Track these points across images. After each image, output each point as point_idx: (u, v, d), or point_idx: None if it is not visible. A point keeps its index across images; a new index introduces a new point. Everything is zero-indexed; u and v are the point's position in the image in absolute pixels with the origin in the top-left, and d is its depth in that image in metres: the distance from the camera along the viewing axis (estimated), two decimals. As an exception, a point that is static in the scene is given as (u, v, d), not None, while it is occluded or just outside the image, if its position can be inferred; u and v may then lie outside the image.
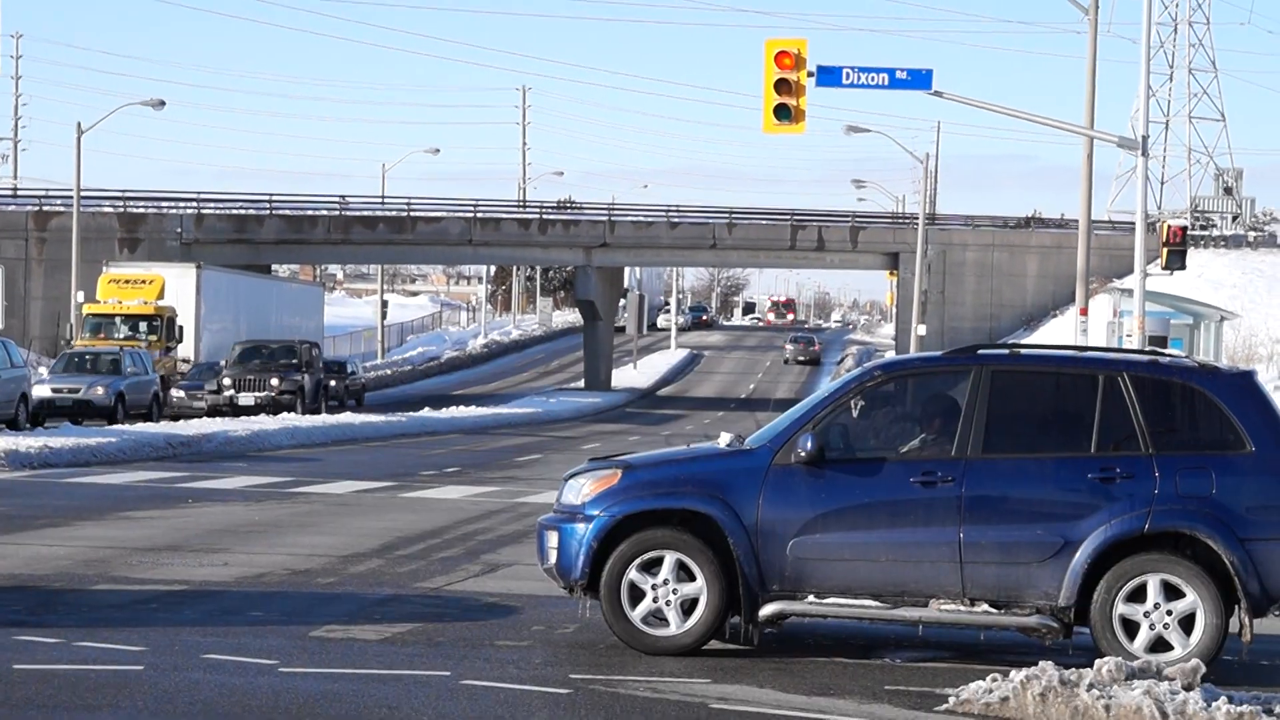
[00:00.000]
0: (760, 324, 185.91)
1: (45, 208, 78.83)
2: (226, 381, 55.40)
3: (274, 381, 55.41)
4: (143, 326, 57.25)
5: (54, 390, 46.81)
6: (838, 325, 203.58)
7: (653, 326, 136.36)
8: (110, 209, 79.32)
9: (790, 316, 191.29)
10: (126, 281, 59.41)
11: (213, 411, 52.95)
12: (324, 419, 48.97)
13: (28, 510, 22.84)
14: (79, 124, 63.74)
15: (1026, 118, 38.62)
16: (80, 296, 61.97)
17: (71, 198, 67.24)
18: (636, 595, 12.99)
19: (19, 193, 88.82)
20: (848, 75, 32.77)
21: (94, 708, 10.62)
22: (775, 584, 12.87)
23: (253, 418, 47.96)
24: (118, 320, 57.27)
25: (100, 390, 47.00)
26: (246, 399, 54.66)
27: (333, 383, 72.42)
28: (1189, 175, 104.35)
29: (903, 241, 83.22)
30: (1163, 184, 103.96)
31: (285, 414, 50.74)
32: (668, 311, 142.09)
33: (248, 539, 20.21)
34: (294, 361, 57.27)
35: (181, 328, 58.19)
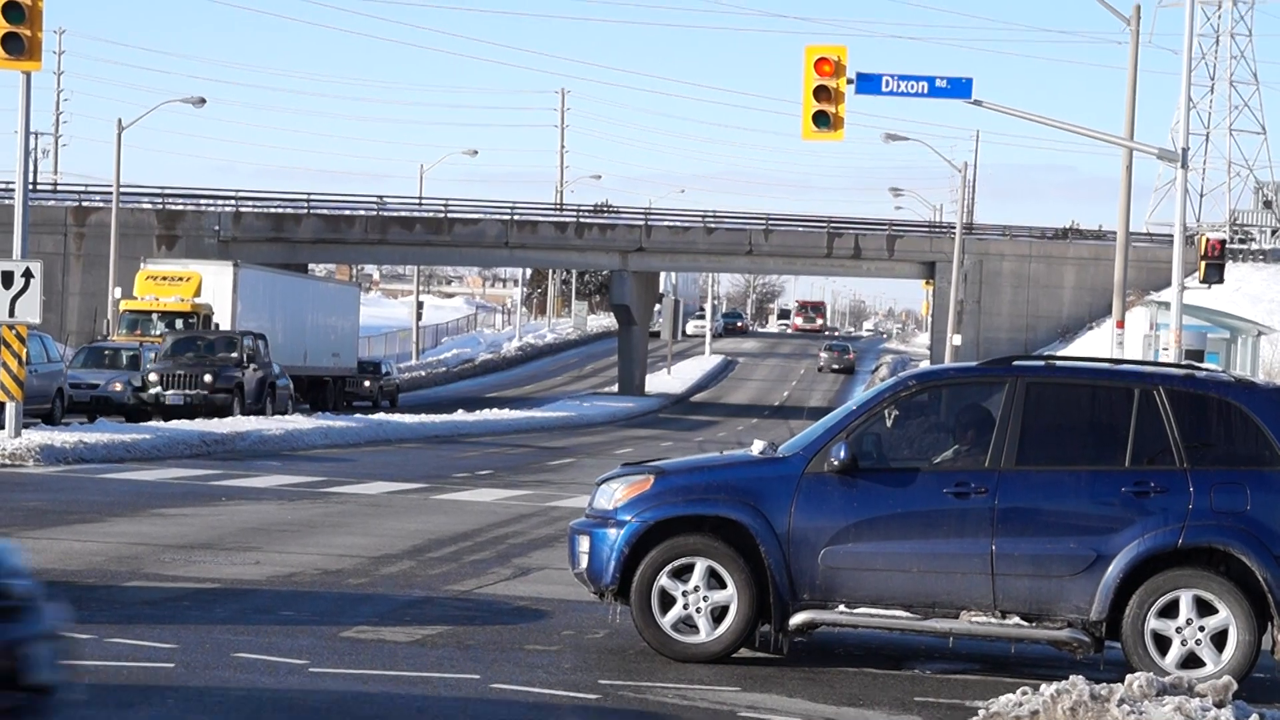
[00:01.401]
0: (787, 330, 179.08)
1: (84, 203, 79.21)
2: (153, 377, 47.79)
3: (207, 378, 47.89)
4: (179, 324, 57.29)
5: (72, 385, 45.04)
6: (869, 334, 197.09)
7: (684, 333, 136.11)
8: (149, 206, 79.68)
9: (819, 321, 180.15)
10: (164, 278, 59.57)
11: (135, 413, 45.64)
12: (357, 419, 48.88)
13: (61, 505, 22.93)
14: (119, 120, 64.00)
15: (1066, 128, 38.53)
16: (118, 292, 62.22)
17: (111, 194, 67.51)
18: (667, 601, 12.99)
19: (59, 188, 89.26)
20: (887, 83, 32.73)
21: (125, 705, 10.65)
22: (806, 593, 12.85)
23: (218, 419, 42.49)
24: (154, 317, 57.29)
25: (118, 386, 46.58)
26: (175, 398, 47.29)
27: (366, 383, 72.83)
28: (1228, 188, 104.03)
29: (939, 250, 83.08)
30: (1202, 197, 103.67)
31: (221, 418, 44.07)
32: (699, 317, 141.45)
33: (280, 538, 20.25)
34: (233, 355, 49.68)
35: (218, 325, 58.22)
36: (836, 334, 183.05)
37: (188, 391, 47.62)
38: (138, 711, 10.52)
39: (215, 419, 43.34)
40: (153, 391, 47.34)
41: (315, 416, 48.58)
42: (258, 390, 49.94)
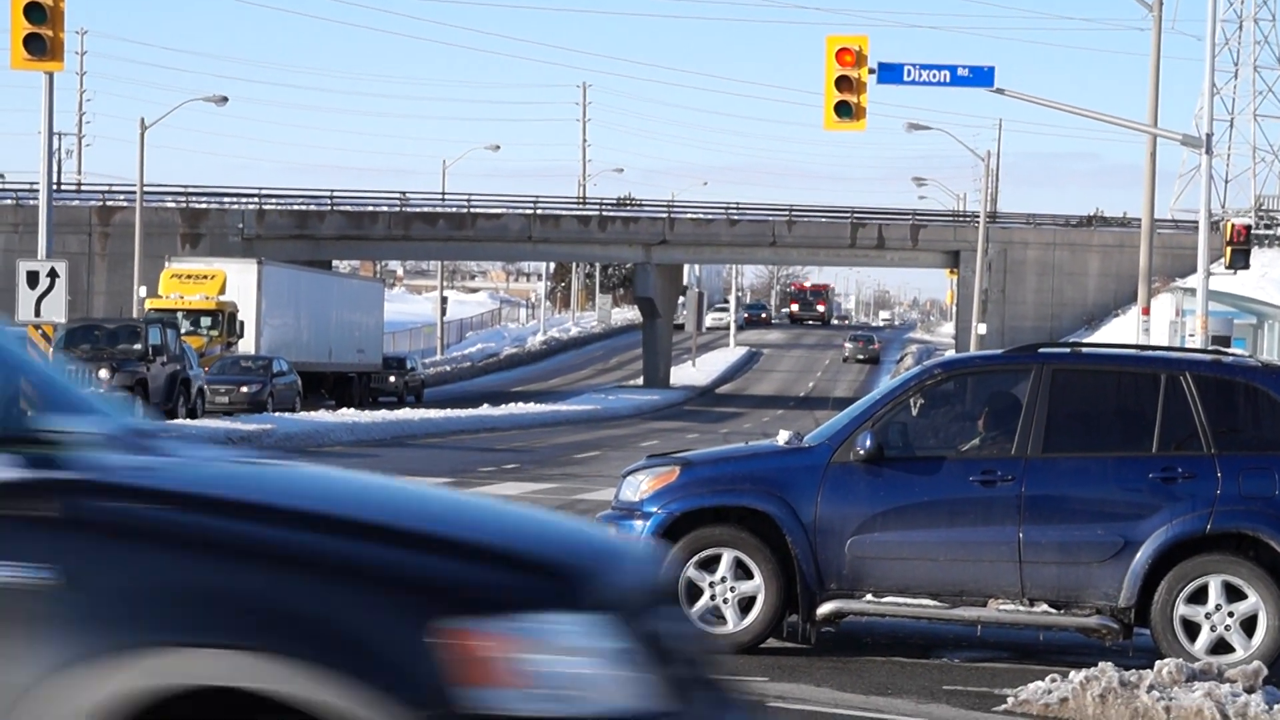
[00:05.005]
0: (787, 318, 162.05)
1: (108, 203, 79.36)
2: None
3: (104, 374, 41.79)
4: (204, 322, 57.32)
5: None
6: (885, 324, 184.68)
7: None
8: (173, 204, 79.79)
9: (820, 308, 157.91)
10: (188, 277, 59.63)
11: None
12: (382, 415, 48.83)
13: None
14: (143, 120, 63.99)
15: (1089, 115, 38.40)
16: (142, 291, 62.33)
17: (134, 193, 67.64)
18: (694, 593, 12.97)
19: (83, 188, 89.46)
20: (909, 72, 32.67)
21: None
22: (833, 582, 12.82)
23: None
24: (179, 315, 57.38)
25: None
26: None
27: (392, 379, 72.93)
28: (1253, 173, 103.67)
29: (963, 240, 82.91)
30: (1227, 182, 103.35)
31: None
32: (719, 309, 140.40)
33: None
34: (136, 347, 43.74)
35: (243, 323, 58.26)
36: (848, 323, 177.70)
37: None
38: None
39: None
40: None
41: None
42: (168, 388, 44.13)
